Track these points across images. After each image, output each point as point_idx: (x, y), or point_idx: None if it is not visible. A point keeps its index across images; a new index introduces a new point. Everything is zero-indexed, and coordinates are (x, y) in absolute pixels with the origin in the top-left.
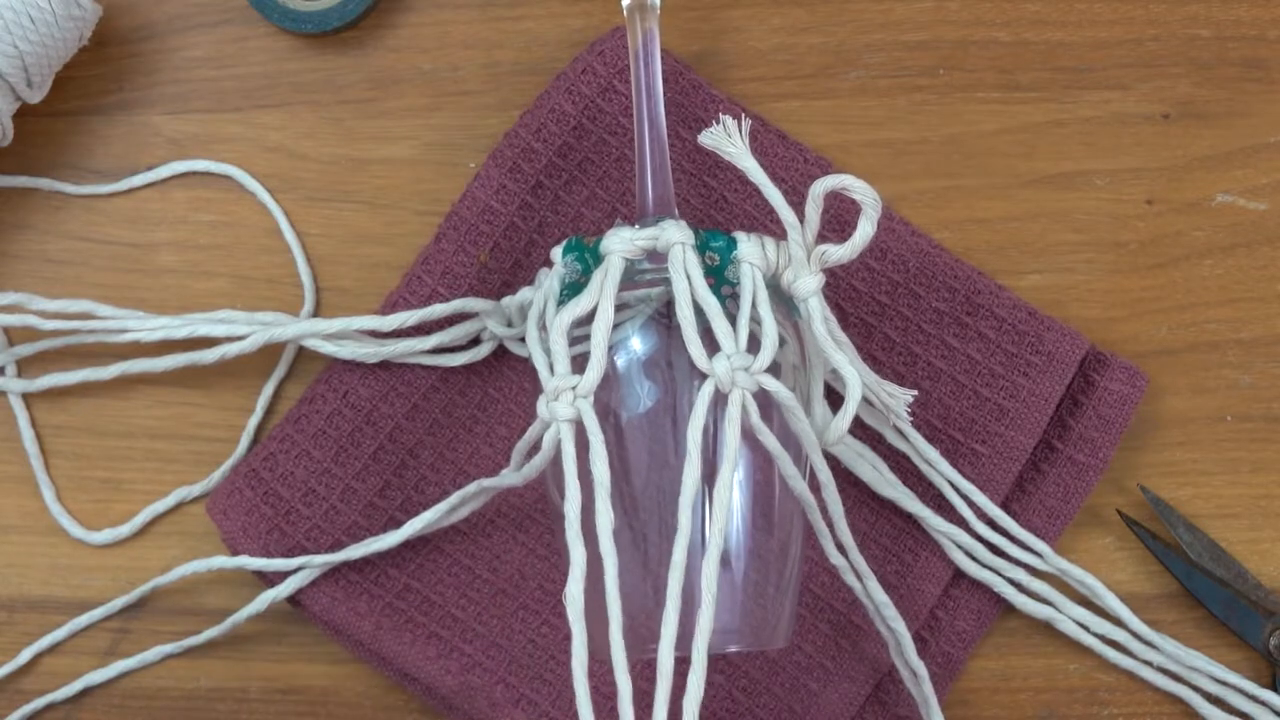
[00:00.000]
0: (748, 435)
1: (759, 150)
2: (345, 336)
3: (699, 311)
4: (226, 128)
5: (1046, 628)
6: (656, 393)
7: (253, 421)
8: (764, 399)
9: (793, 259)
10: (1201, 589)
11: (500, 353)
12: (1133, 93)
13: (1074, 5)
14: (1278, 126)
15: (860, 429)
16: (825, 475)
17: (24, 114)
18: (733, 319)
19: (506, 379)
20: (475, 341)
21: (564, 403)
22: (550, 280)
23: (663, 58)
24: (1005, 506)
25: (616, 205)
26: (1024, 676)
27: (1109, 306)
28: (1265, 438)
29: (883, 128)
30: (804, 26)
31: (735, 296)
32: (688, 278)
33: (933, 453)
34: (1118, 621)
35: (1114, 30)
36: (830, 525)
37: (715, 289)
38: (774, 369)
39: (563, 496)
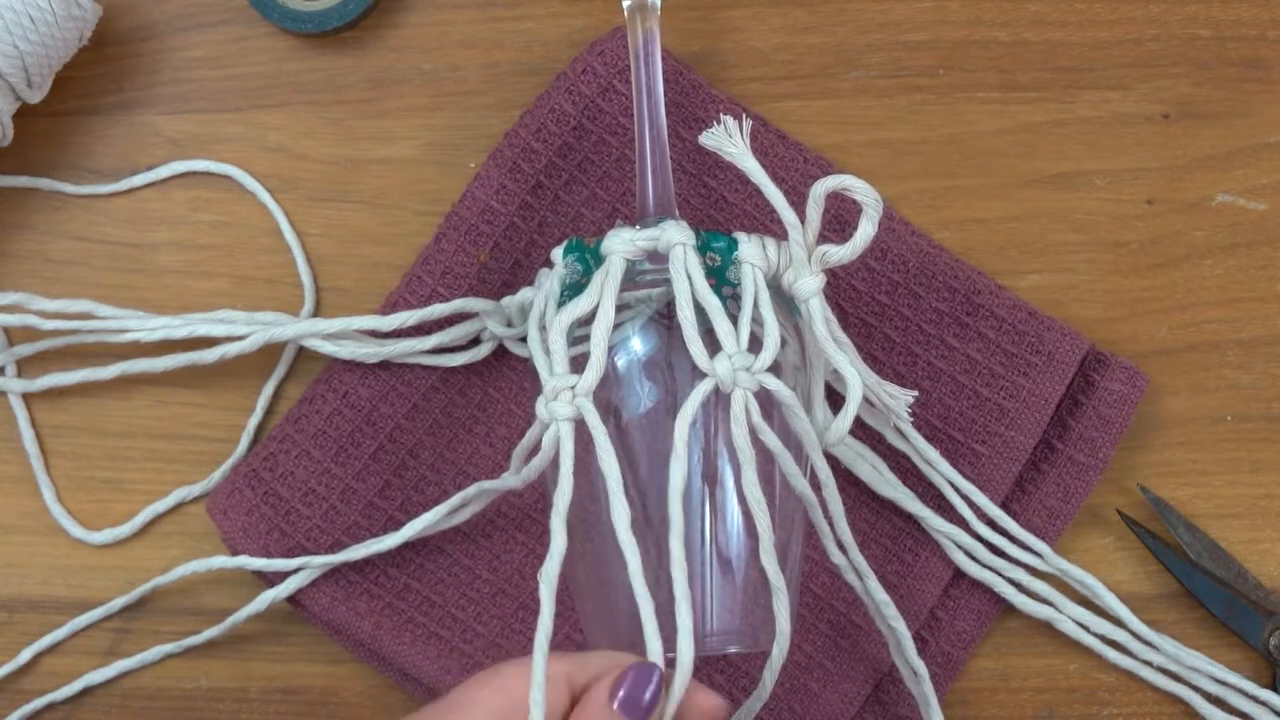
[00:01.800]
0: (755, 435)
1: (759, 150)
2: (345, 336)
3: (699, 312)
4: (226, 128)
5: (1046, 628)
6: (657, 393)
7: (253, 421)
8: (764, 398)
9: (794, 260)
10: (1201, 589)
11: (500, 353)
12: (1133, 93)
13: (1074, 5)
14: (1278, 126)
15: (860, 429)
16: (826, 474)
17: (24, 114)
18: (733, 319)
19: (506, 379)
20: (475, 341)
21: (563, 402)
22: (551, 281)
23: (663, 58)
24: (1005, 506)
25: (616, 205)
26: (1024, 676)
27: (1109, 306)
28: (1265, 438)
29: (883, 128)
30: (804, 26)
31: (736, 297)
32: (689, 278)
33: (933, 453)
34: (1118, 621)
35: (1114, 30)
36: (831, 524)
37: (716, 290)
38: (775, 369)
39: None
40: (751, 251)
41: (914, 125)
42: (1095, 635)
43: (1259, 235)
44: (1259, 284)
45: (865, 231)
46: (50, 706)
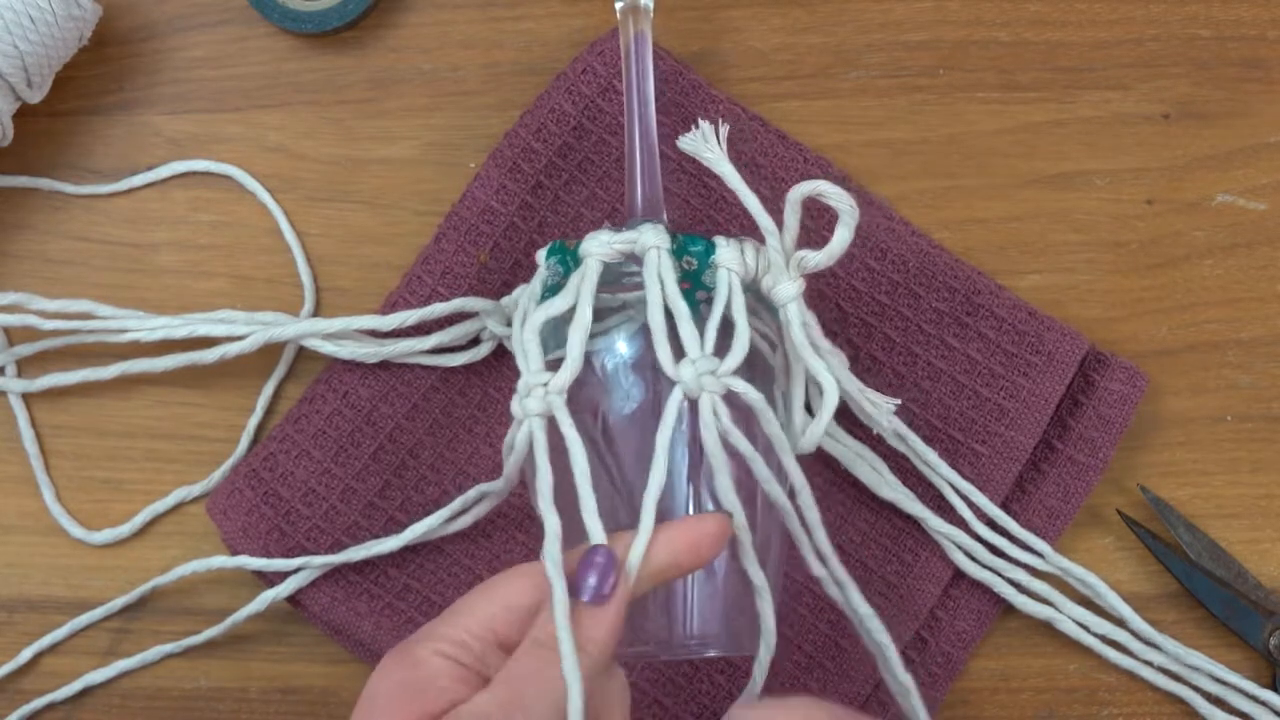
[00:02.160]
0: (726, 439)
1: (759, 150)
2: (345, 336)
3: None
4: (226, 128)
5: (1046, 628)
6: (642, 394)
7: (253, 421)
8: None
9: (772, 265)
10: (1201, 589)
11: (500, 353)
12: (1133, 93)
13: (1074, 5)
14: (1278, 126)
15: (860, 430)
16: (800, 480)
17: (24, 114)
18: None
19: (506, 379)
20: (475, 341)
21: (535, 399)
22: (533, 282)
23: (663, 58)
24: (1005, 506)
25: (616, 205)
26: (1024, 676)
27: (1109, 306)
28: (1265, 438)
29: (883, 128)
30: (804, 26)
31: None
32: (660, 282)
33: (931, 455)
34: (1118, 621)
35: (1114, 30)
36: (808, 531)
37: (691, 293)
38: (764, 374)
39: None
40: (728, 256)
41: (914, 125)
42: (1095, 635)
43: (1259, 235)
44: (1259, 284)
45: (841, 237)
46: (50, 706)
